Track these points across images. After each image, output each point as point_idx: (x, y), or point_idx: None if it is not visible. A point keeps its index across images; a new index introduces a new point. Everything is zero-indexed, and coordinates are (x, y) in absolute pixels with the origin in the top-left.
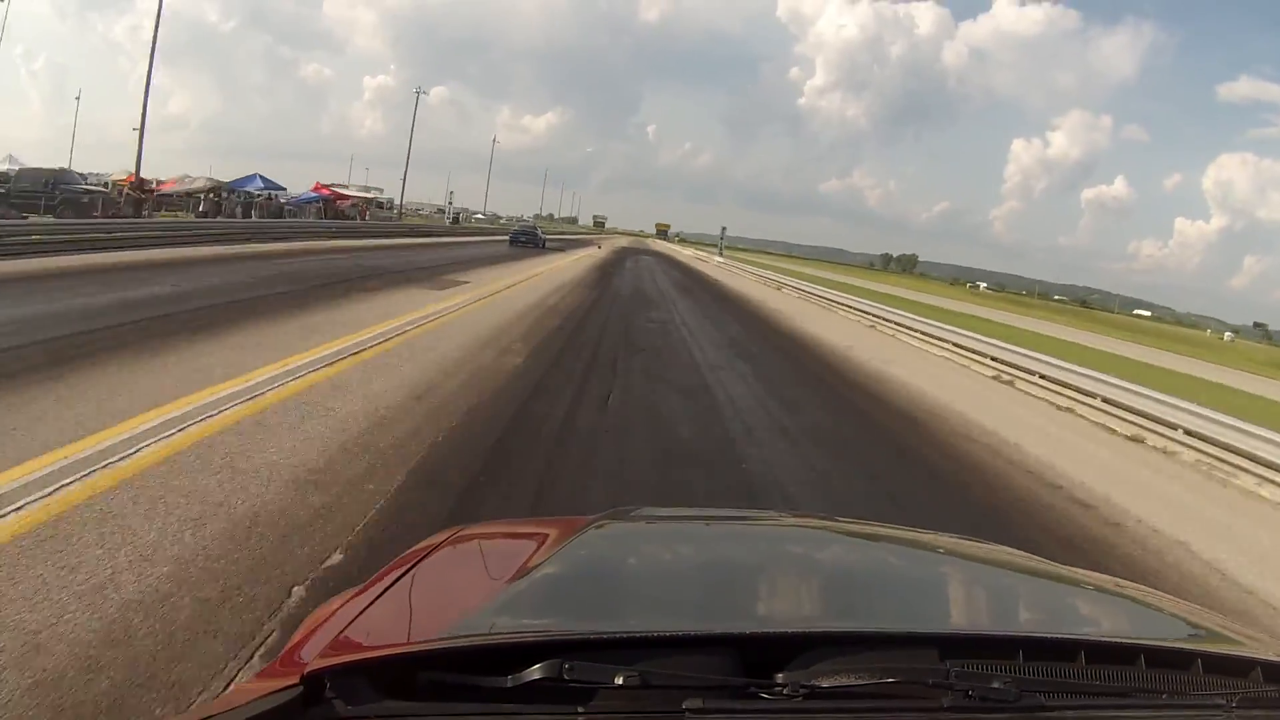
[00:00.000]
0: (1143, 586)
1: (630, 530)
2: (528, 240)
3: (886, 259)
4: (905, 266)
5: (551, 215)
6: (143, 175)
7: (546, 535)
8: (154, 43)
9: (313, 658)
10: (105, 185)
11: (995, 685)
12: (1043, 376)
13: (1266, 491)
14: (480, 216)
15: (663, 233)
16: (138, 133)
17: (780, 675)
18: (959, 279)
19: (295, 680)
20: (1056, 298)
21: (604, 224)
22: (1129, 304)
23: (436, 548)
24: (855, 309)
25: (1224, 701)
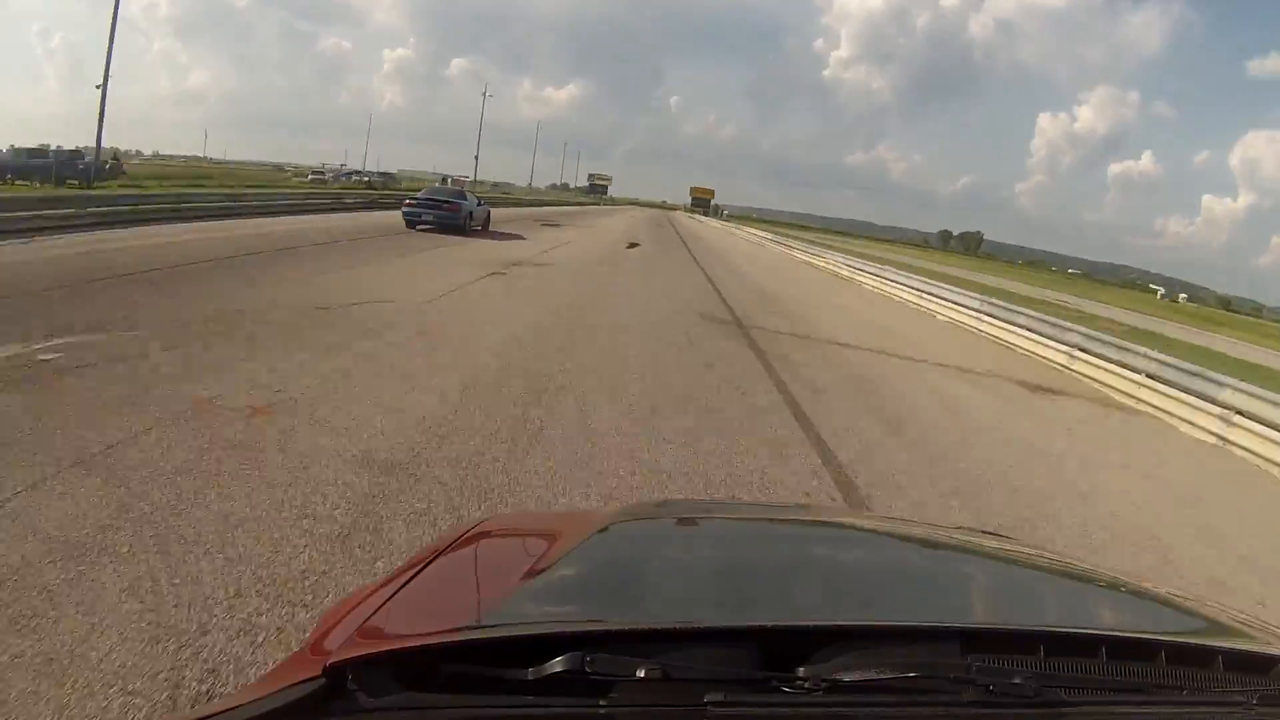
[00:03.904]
0: (1163, 584)
1: (652, 524)
2: (437, 219)
3: (946, 236)
4: (969, 246)
5: (567, 184)
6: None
7: (568, 529)
8: None
9: (335, 649)
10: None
11: (1016, 680)
12: None
13: None
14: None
15: (701, 203)
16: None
17: (801, 669)
18: (1005, 258)
19: (317, 672)
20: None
21: (605, 189)
22: (1157, 283)
23: (458, 541)
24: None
25: (1245, 699)
